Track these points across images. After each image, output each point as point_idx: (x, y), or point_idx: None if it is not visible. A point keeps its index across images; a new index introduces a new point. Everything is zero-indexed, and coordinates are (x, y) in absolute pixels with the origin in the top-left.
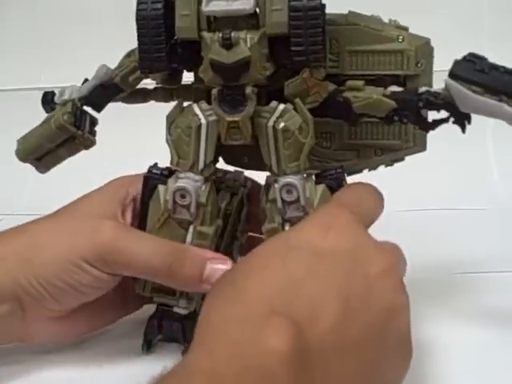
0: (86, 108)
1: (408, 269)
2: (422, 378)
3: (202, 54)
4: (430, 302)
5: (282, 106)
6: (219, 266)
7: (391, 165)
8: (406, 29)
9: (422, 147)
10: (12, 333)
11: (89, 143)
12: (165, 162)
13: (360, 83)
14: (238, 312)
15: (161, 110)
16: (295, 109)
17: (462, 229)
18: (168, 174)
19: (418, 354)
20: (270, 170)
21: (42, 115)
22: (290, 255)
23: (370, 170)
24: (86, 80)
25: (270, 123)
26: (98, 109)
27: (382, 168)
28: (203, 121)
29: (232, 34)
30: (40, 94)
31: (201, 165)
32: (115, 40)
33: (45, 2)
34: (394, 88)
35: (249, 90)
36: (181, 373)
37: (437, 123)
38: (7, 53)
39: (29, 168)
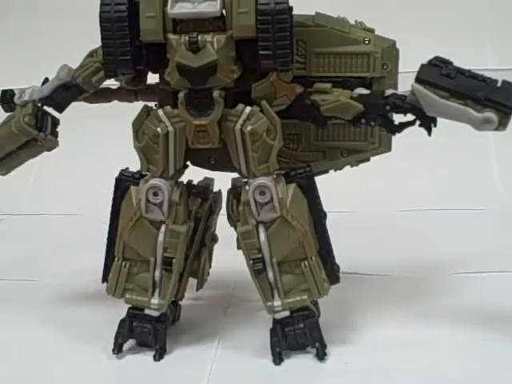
0: (47, 109)
1: (407, 268)
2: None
3: (168, 56)
4: (430, 301)
5: (248, 109)
6: None
7: (357, 165)
8: (372, 30)
9: (387, 148)
10: None
11: (51, 145)
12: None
13: (327, 86)
14: None
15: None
16: (262, 111)
17: (462, 228)
18: (139, 176)
19: (418, 352)
20: (240, 172)
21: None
22: None
23: (335, 171)
24: (47, 79)
25: (238, 126)
26: (60, 109)
27: (382, 169)
28: (170, 128)
29: (199, 38)
30: None
31: (171, 171)
32: (76, 38)
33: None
34: (361, 90)
35: (216, 93)
36: None
37: (403, 126)
38: None
39: (29, 168)
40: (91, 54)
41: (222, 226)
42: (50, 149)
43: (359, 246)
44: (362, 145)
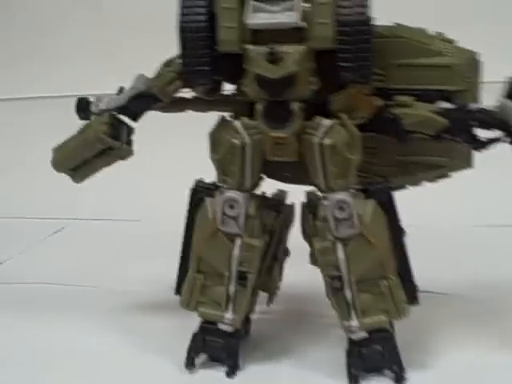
0: (122, 117)
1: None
2: None
3: (245, 66)
4: (509, 322)
5: (328, 122)
6: None
7: (435, 181)
8: (452, 42)
9: (468, 164)
10: None
11: (126, 154)
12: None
13: (409, 99)
14: None
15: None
16: (341, 124)
17: None
18: (215, 187)
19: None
20: (317, 186)
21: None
22: None
23: (413, 186)
24: (122, 89)
25: (316, 140)
26: (135, 118)
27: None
28: (247, 140)
29: (278, 49)
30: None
31: (247, 183)
32: (150, 47)
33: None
34: (444, 104)
35: (295, 105)
36: None
37: (490, 142)
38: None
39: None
40: (167, 64)
41: (292, 239)
42: (124, 157)
43: (431, 263)
44: (442, 161)
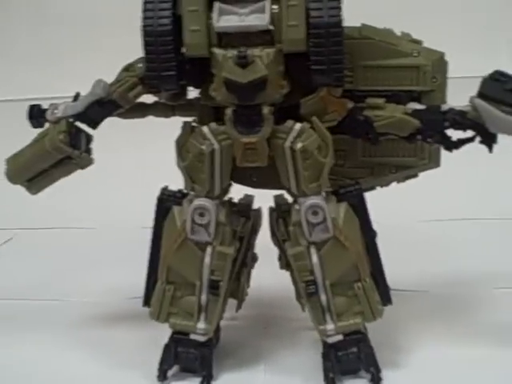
0: (80, 125)
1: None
2: None
3: (213, 71)
4: (473, 318)
5: (298, 126)
6: None
7: (403, 181)
8: (420, 42)
9: (436, 163)
10: None
11: (86, 162)
12: (166, 175)
13: (380, 101)
14: None
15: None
16: (312, 127)
17: (500, 240)
18: (182, 195)
19: (470, 371)
20: (289, 190)
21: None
22: None
23: (382, 187)
24: (78, 95)
25: (288, 144)
26: (94, 125)
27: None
28: (216, 146)
29: (248, 52)
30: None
31: (217, 190)
32: (112, 50)
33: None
34: (414, 105)
35: (266, 109)
36: None
37: (462, 142)
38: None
39: None
40: (127, 68)
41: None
42: (84, 167)
43: (396, 260)
44: (411, 161)
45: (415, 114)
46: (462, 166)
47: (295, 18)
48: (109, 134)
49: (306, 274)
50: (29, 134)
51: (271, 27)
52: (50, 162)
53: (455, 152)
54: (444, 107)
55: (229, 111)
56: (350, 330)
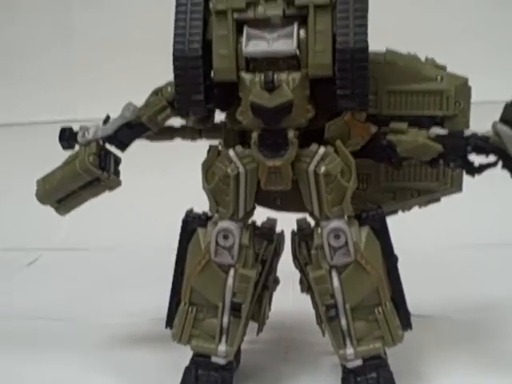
0: (109, 147)
1: (467, 309)
2: None
3: (240, 95)
4: (495, 345)
5: (322, 150)
6: None
7: (425, 206)
8: (443, 68)
9: (458, 188)
10: None
11: (114, 184)
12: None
13: (403, 125)
14: None
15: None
16: (336, 151)
17: None
18: (206, 218)
19: None
20: (311, 214)
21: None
22: None
23: (404, 211)
24: (108, 117)
25: (311, 167)
26: (123, 148)
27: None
28: (241, 169)
29: (275, 77)
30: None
31: (241, 213)
32: (143, 74)
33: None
34: (437, 130)
35: (291, 133)
36: None
37: (484, 167)
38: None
39: None
40: (156, 92)
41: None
42: (112, 188)
43: (413, 285)
44: (434, 185)
45: (438, 138)
46: (485, 191)
47: (322, 44)
48: (135, 156)
49: (327, 298)
50: (59, 155)
51: (298, 52)
52: (79, 184)
53: (477, 177)
54: (467, 132)
55: (255, 135)
56: (370, 355)
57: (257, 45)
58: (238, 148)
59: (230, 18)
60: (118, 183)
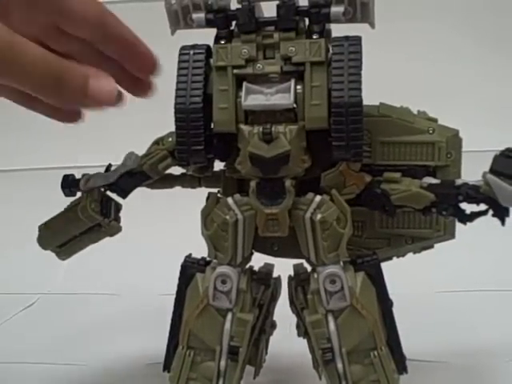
0: (110, 194)
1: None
2: None
3: (239, 145)
4: None
5: (318, 198)
6: (102, 81)
7: (419, 252)
8: (435, 120)
9: (451, 235)
10: None
11: (114, 231)
12: (191, 243)
13: (397, 175)
14: None
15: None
16: (332, 199)
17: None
18: (205, 263)
19: None
20: (308, 260)
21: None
22: None
23: (398, 257)
24: (110, 166)
25: (308, 215)
26: (124, 195)
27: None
28: (239, 216)
29: (273, 129)
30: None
31: (239, 259)
32: (144, 124)
33: None
34: (429, 179)
35: (288, 182)
36: None
37: (475, 215)
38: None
39: None
40: (157, 142)
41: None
42: (113, 234)
43: (408, 330)
44: (427, 232)
45: (430, 187)
46: (478, 238)
47: (318, 98)
48: (135, 203)
49: (324, 342)
50: (59, 202)
51: (295, 106)
52: (81, 229)
53: (469, 224)
54: (458, 182)
55: (253, 183)
56: None
57: (255, 99)
58: (237, 196)
59: (229, 74)
60: (119, 229)
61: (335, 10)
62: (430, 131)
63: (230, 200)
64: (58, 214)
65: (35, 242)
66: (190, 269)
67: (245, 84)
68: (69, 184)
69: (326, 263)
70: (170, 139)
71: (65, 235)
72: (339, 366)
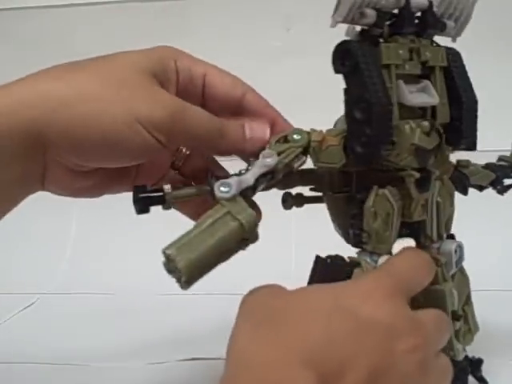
0: None
1: None
2: None
3: (394, 139)
4: None
5: (438, 183)
6: (253, 124)
7: None
8: None
9: None
10: (28, 175)
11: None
12: None
13: (468, 161)
14: (273, 357)
15: None
16: (441, 180)
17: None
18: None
19: None
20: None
21: None
22: (335, 315)
23: None
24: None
25: (434, 199)
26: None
27: None
28: (395, 206)
29: (435, 122)
30: None
31: (392, 248)
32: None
33: None
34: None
35: (437, 171)
36: None
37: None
38: None
39: (62, 248)
40: (279, 140)
41: None
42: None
43: None
44: None
45: (490, 167)
46: (480, 238)
47: (444, 97)
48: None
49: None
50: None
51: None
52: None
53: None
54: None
55: (416, 174)
56: None
57: (416, 97)
58: (391, 189)
59: (393, 72)
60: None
61: (449, 23)
62: None
63: (387, 193)
64: (193, 231)
65: (35, 242)
66: (344, 267)
67: (401, 82)
68: (152, 201)
69: (442, 238)
70: (299, 136)
71: (218, 259)
72: None
